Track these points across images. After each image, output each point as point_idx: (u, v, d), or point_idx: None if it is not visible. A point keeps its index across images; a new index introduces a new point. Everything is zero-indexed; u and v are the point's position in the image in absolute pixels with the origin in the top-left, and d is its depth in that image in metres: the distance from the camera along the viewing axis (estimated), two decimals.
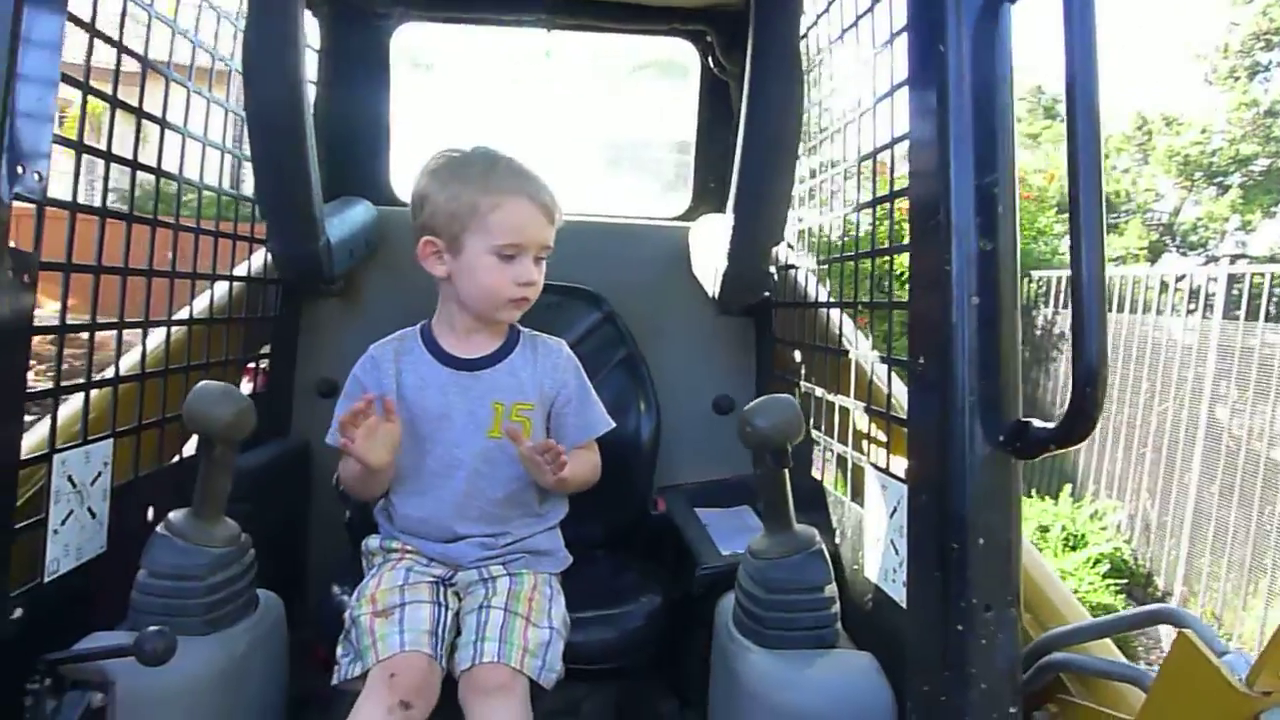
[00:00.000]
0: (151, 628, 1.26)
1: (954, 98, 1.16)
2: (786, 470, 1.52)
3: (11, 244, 1.13)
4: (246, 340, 2.13)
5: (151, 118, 1.67)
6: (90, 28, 1.40)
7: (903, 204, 1.64)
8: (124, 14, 1.54)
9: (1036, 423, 1.11)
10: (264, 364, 2.31)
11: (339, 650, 1.60)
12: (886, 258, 1.71)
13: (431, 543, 1.72)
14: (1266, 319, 5.20)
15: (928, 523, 1.18)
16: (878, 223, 1.77)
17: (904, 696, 1.40)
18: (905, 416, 1.54)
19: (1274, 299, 5.34)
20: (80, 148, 1.43)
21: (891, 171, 1.62)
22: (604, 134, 3.20)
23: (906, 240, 1.57)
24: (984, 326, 1.14)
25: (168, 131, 1.76)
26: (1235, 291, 5.62)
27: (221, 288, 2.06)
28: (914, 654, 1.19)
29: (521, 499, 1.73)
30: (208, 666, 1.41)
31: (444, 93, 2.91)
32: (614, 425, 1.85)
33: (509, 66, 2.95)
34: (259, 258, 2.24)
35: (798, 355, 2.33)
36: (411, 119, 2.70)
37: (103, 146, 1.51)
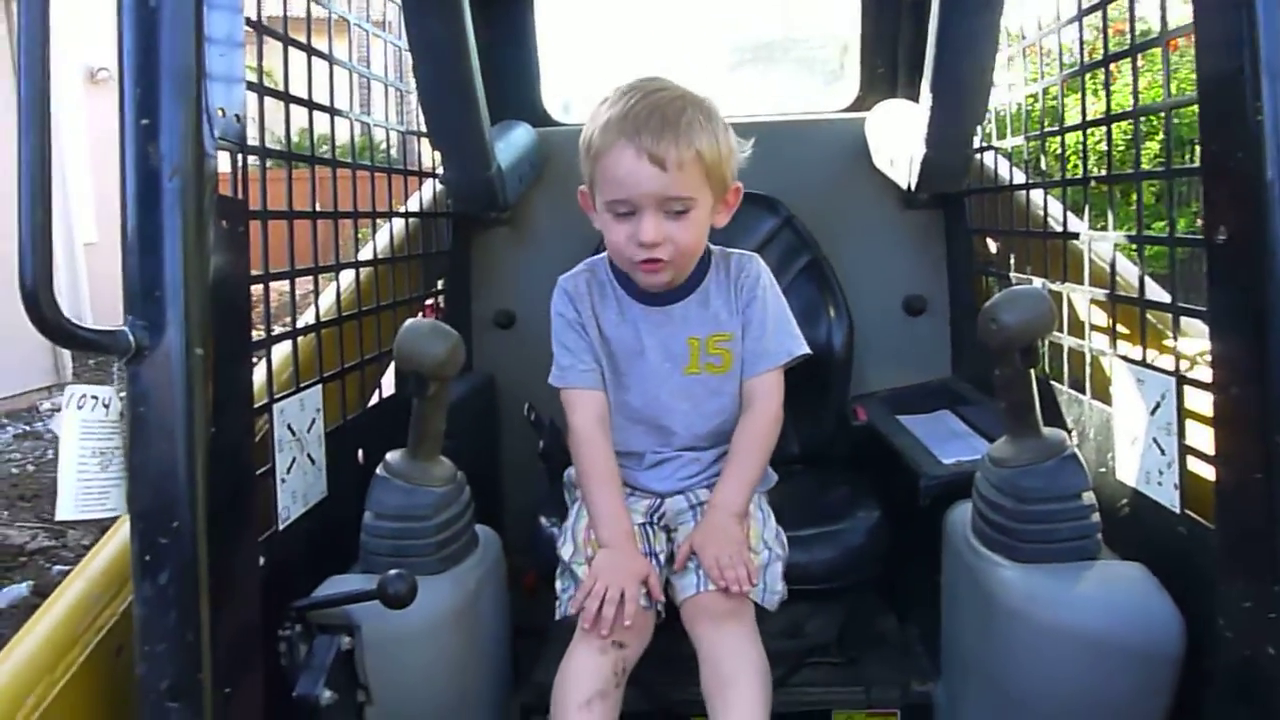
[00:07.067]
0: (392, 571, 1.26)
1: None
2: (1032, 370, 1.37)
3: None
4: (426, 276, 2.12)
5: (321, 55, 1.62)
6: None
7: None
8: None
9: None
10: (440, 300, 2.30)
11: (558, 585, 1.58)
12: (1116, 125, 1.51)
13: (636, 471, 1.66)
14: None
15: (1243, 418, 1.02)
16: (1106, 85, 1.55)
17: (1187, 609, 1.27)
18: (1169, 302, 1.39)
19: None
20: (262, 91, 1.39)
21: (1132, 18, 1.41)
22: (754, 30, 3.01)
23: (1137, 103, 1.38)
24: None
25: (330, 70, 1.71)
26: None
27: (398, 225, 2.03)
28: (1228, 568, 1.05)
29: (726, 429, 1.64)
30: (444, 605, 1.41)
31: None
32: (806, 351, 1.63)
33: None
34: (427, 192, 2.21)
35: (994, 246, 2.15)
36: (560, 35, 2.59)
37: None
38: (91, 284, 7.05)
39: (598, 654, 1.44)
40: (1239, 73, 0.98)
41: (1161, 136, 1.41)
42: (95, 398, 1.06)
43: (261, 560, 1.22)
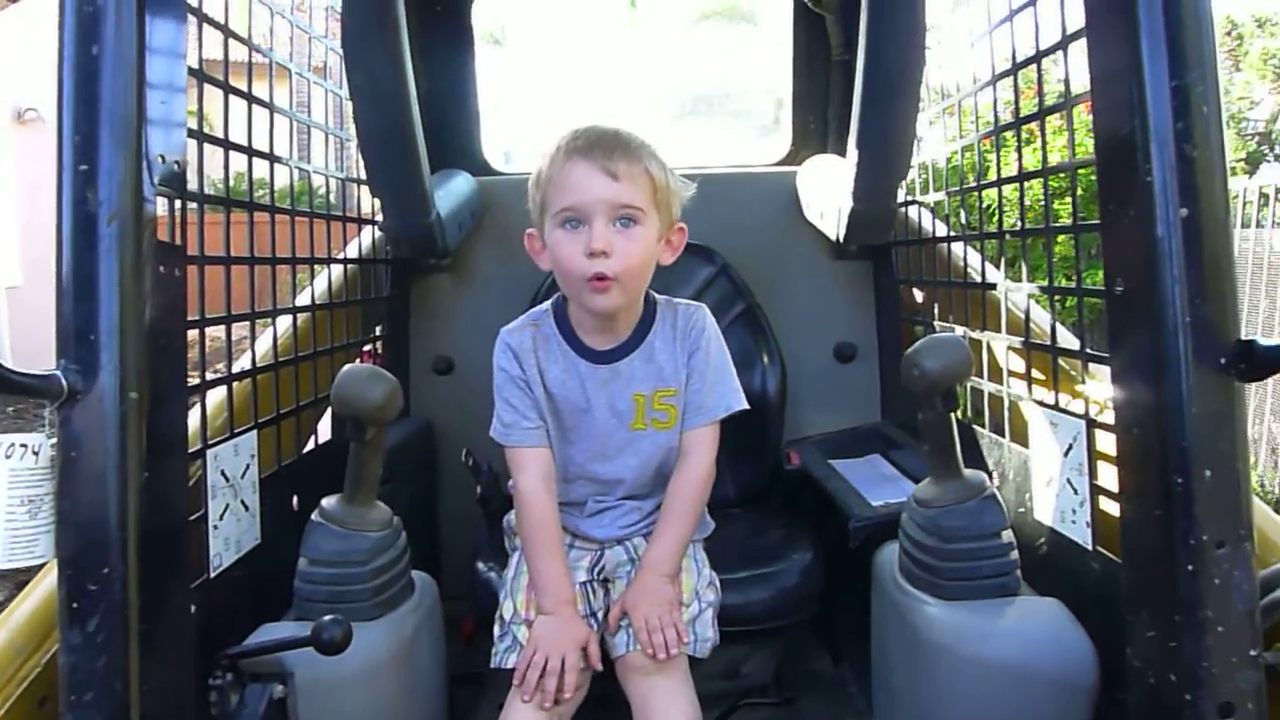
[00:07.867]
0: (327, 617, 1.25)
1: None
2: (954, 414, 1.43)
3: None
4: (364, 322, 2.12)
5: (262, 103, 1.63)
6: (200, 14, 1.37)
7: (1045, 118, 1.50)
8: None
9: (1263, 341, 1.01)
10: (378, 345, 2.30)
11: (496, 630, 1.58)
12: (1037, 181, 1.60)
13: (577, 519, 1.67)
14: None
15: (1143, 458, 1.08)
16: (1025, 143, 1.64)
17: (1100, 641, 1.33)
18: (1077, 349, 1.46)
19: None
20: (201, 138, 1.40)
21: (1040, 84, 1.50)
22: (691, 84, 3.10)
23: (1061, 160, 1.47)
24: (1193, 240, 1.03)
25: (271, 117, 1.72)
26: None
27: (336, 271, 2.04)
28: (1134, 600, 1.11)
29: (668, 477, 1.65)
30: (379, 651, 1.40)
31: (530, 57, 2.83)
32: (744, 406, 1.65)
33: (591, 21, 2.86)
34: (367, 238, 2.22)
35: (920, 296, 2.23)
36: (500, 87, 2.64)
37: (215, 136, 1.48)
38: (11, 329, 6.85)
39: (535, 708, 1.44)
40: (1130, 137, 1.06)
41: (1079, 191, 1.50)
42: (25, 445, 1.05)
43: (193, 608, 1.21)
